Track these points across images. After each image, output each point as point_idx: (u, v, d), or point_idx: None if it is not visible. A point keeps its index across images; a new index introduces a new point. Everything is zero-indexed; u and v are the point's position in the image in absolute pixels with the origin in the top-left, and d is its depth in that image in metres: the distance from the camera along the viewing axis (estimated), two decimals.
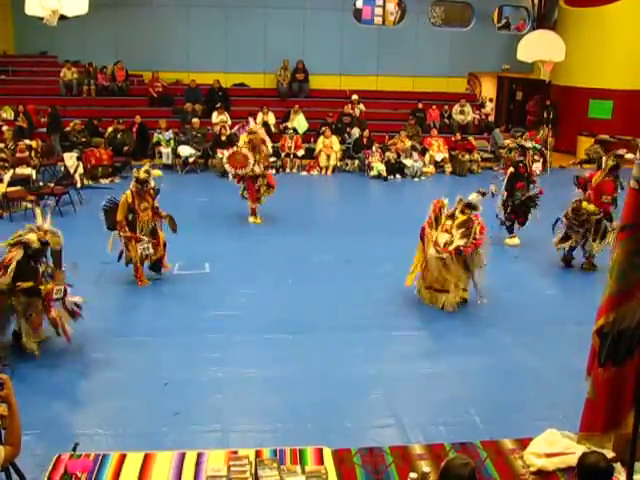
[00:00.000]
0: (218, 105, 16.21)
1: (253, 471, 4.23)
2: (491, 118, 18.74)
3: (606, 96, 16.83)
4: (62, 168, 13.07)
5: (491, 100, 19.65)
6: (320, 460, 4.47)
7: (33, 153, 13.21)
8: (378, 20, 19.88)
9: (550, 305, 7.98)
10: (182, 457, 4.46)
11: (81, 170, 13.05)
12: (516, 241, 10.20)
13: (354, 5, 18.71)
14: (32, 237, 6.19)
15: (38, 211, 6.76)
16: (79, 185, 12.62)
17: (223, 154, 13.89)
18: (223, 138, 14.81)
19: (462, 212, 7.68)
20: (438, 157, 15.69)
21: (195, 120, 15.60)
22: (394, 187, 14.51)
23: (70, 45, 17.05)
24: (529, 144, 15.05)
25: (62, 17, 10.87)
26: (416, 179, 14.95)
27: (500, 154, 14.70)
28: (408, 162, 15.09)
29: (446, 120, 17.40)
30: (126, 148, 14.61)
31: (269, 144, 11.88)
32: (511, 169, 10.11)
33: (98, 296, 6.89)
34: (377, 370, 6.26)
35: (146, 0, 17.26)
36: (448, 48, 18.43)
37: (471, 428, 5.34)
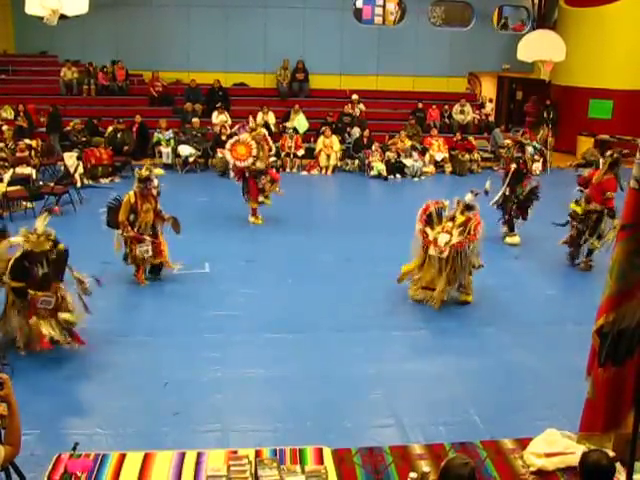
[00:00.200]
0: (218, 105, 16.21)
1: (253, 471, 4.24)
2: (491, 118, 18.73)
3: (606, 96, 16.83)
4: (62, 168, 13.05)
5: (491, 100, 19.64)
6: (320, 460, 4.48)
7: (33, 153, 13.22)
8: (378, 20, 19.89)
9: (550, 305, 7.98)
10: (182, 457, 4.47)
11: (81, 170, 13.04)
12: (517, 239, 10.19)
13: (354, 5, 18.70)
14: (19, 239, 6.22)
15: (42, 218, 6.73)
16: (79, 185, 12.61)
17: (224, 153, 14.01)
18: (223, 138, 14.77)
19: (462, 213, 7.70)
20: (438, 157, 15.69)
21: (195, 120, 15.60)
22: (394, 187, 14.51)
23: (70, 45, 17.06)
24: (529, 143, 15.09)
25: (62, 16, 10.85)
26: (416, 179, 14.95)
27: (500, 154, 14.68)
28: (408, 162, 15.09)
29: (446, 120, 17.40)
30: (126, 148, 14.60)
31: (272, 144, 11.85)
32: (514, 165, 10.10)
33: (98, 296, 6.86)
34: (377, 370, 6.26)
35: (146, 0, 17.27)
36: (448, 48, 18.42)
37: (471, 428, 5.34)
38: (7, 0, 16.91)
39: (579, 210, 8.98)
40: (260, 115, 16.04)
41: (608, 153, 9.04)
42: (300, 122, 16.15)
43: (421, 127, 16.71)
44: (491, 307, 7.80)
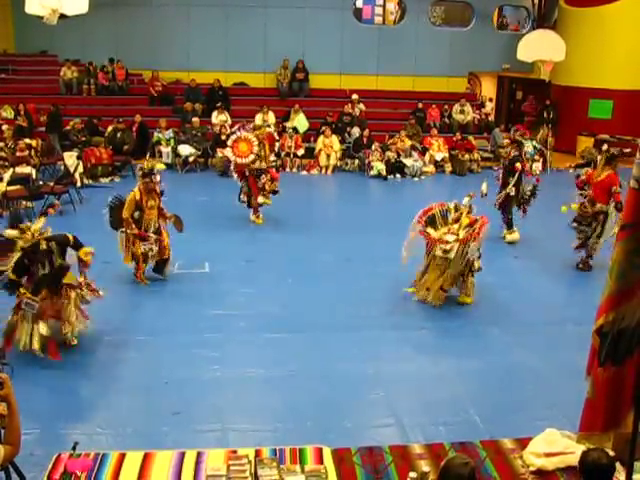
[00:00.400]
0: (218, 104, 16.21)
1: (253, 470, 4.23)
2: (491, 118, 18.74)
3: (606, 96, 16.82)
4: (62, 167, 13.06)
5: (491, 100, 19.65)
6: (320, 459, 4.48)
7: (33, 152, 13.20)
8: (378, 19, 19.87)
9: (550, 305, 7.97)
10: (182, 456, 4.47)
11: (81, 169, 13.04)
12: (516, 236, 10.22)
13: (354, 4, 18.69)
14: (11, 233, 6.22)
15: (41, 219, 6.72)
16: (79, 184, 12.62)
17: (223, 152, 13.99)
18: (223, 137, 14.78)
19: (468, 214, 7.73)
20: (438, 157, 15.69)
21: (195, 119, 15.60)
22: (394, 186, 14.51)
23: (70, 44, 17.06)
24: (528, 143, 15.10)
25: (62, 16, 10.83)
26: (416, 179, 14.95)
27: (500, 154, 14.70)
28: (408, 162, 15.09)
29: (446, 120, 17.40)
30: (126, 147, 14.59)
31: (276, 143, 11.84)
32: (518, 165, 10.11)
33: None
34: (377, 369, 6.27)
35: None
36: (448, 48, 18.42)
37: (471, 428, 5.34)
38: (7, 0, 16.92)
39: (576, 209, 8.96)
40: (260, 115, 16.04)
41: (604, 148, 9.02)
42: (300, 122, 16.15)
43: (421, 127, 16.71)
44: (491, 307, 7.80)
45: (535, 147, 15.63)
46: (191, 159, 14.96)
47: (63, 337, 6.39)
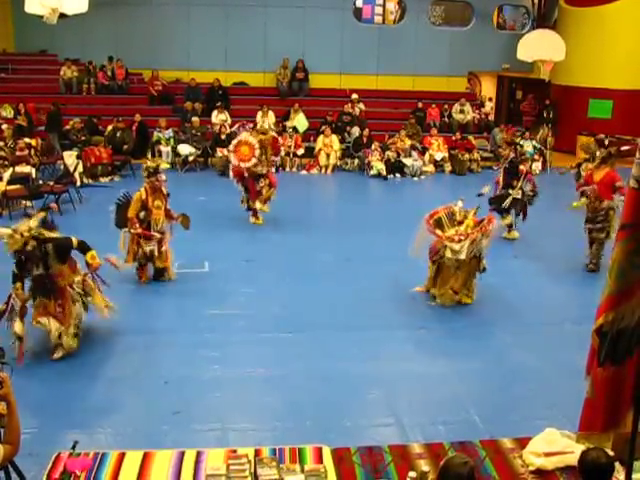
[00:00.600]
0: (218, 104, 16.21)
1: (252, 470, 4.23)
2: (491, 117, 18.75)
3: (606, 96, 16.83)
4: (62, 166, 13.06)
5: (490, 99, 19.65)
6: (319, 459, 4.47)
7: (33, 151, 13.21)
8: (378, 19, 19.88)
9: (550, 305, 7.98)
10: (181, 456, 4.46)
11: (81, 169, 13.05)
12: (516, 234, 10.25)
13: (354, 4, 18.70)
14: (4, 231, 6.18)
15: (39, 215, 6.70)
16: (79, 184, 12.62)
17: (223, 152, 13.99)
18: (223, 137, 14.82)
19: (474, 215, 7.75)
20: (438, 156, 15.69)
21: (195, 119, 15.60)
22: (394, 186, 14.51)
23: (70, 43, 17.05)
24: (528, 143, 15.14)
25: (62, 15, 10.83)
26: (416, 178, 14.95)
27: (499, 153, 14.71)
28: (408, 161, 15.10)
29: (446, 119, 17.40)
30: (126, 147, 14.59)
31: (281, 148, 11.83)
32: (522, 167, 10.13)
33: None
34: (377, 369, 6.27)
35: None
36: (448, 47, 18.43)
37: (470, 427, 5.34)
38: None
39: (584, 203, 8.94)
40: (260, 114, 16.04)
41: (607, 143, 8.98)
42: (300, 121, 16.14)
43: (421, 126, 16.71)
44: (490, 306, 7.80)
45: (535, 147, 15.70)
46: (191, 158, 14.96)
47: (55, 340, 6.30)
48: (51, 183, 11.71)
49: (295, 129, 15.86)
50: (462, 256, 7.38)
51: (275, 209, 10.91)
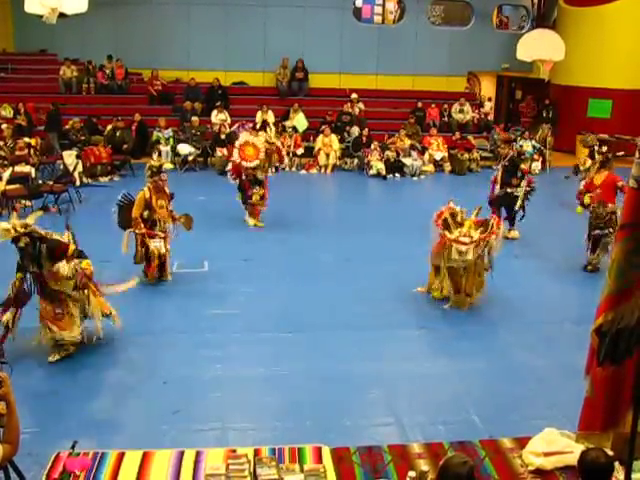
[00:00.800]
0: (218, 103, 16.20)
1: (252, 469, 4.23)
2: (490, 117, 18.75)
3: (605, 95, 16.83)
4: (61, 166, 13.05)
5: (490, 99, 19.65)
6: (319, 459, 4.48)
7: (32, 151, 13.19)
8: (378, 19, 19.86)
9: (550, 304, 7.98)
10: (181, 455, 4.47)
11: (80, 168, 13.04)
12: (517, 234, 10.27)
13: (354, 4, 18.69)
14: (2, 224, 6.16)
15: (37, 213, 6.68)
16: (78, 183, 12.62)
17: (223, 152, 13.99)
18: (222, 136, 14.81)
19: (476, 216, 7.75)
20: (437, 156, 15.69)
21: (194, 118, 15.59)
22: (393, 186, 14.51)
23: (70, 43, 17.04)
24: (528, 143, 15.15)
25: (61, 15, 10.81)
26: (415, 178, 14.95)
27: (499, 152, 14.72)
28: (407, 161, 15.09)
29: (445, 119, 17.40)
30: (125, 146, 14.58)
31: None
32: (523, 166, 10.14)
33: None
34: (376, 369, 6.27)
35: None
36: (448, 47, 18.43)
37: (470, 427, 5.34)
38: None
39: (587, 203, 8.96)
40: (259, 114, 16.04)
41: (604, 149, 9.01)
42: (299, 121, 16.14)
43: (420, 126, 16.71)
44: (491, 306, 7.79)
45: (534, 146, 15.71)
46: (190, 158, 14.95)
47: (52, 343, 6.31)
48: (50, 183, 11.71)
49: (295, 129, 15.86)
50: (469, 257, 7.38)
51: (274, 209, 10.91)
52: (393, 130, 16.15)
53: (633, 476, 3.62)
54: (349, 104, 16.85)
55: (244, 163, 10.35)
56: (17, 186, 11.28)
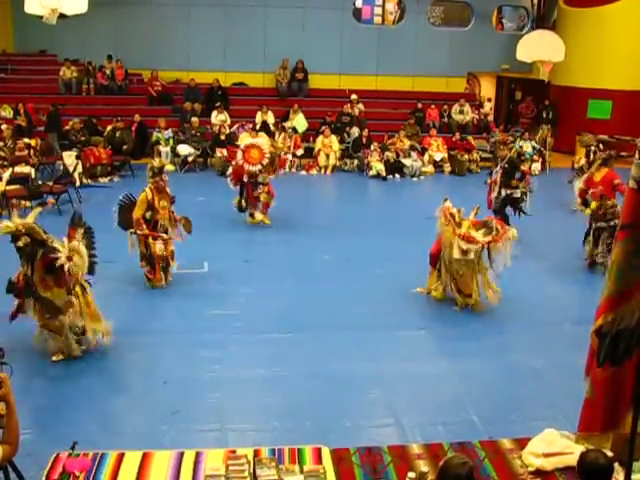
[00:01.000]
0: (217, 104, 16.20)
1: (251, 470, 4.23)
2: (490, 118, 18.75)
3: (605, 96, 16.84)
4: (61, 167, 13.05)
5: (490, 100, 19.65)
6: (319, 459, 4.48)
7: (32, 152, 13.20)
8: (378, 20, 19.85)
9: (550, 304, 7.98)
10: (180, 456, 4.47)
11: (80, 169, 13.05)
12: (516, 234, 10.27)
13: (354, 4, 18.69)
14: (5, 222, 6.15)
15: (36, 210, 6.68)
16: (78, 184, 12.61)
17: (222, 152, 13.98)
18: (222, 137, 14.82)
19: (475, 216, 7.74)
20: (437, 157, 15.70)
21: (194, 119, 15.58)
22: (393, 187, 14.51)
23: (69, 43, 17.04)
24: (527, 144, 15.16)
25: (61, 15, 10.84)
26: (415, 179, 14.95)
27: (498, 154, 14.70)
28: (407, 162, 15.10)
29: (445, 120, 17.40)
30: (125, 147, 14.59)
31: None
32: (524, 167, 10.15)
33: (96, 295, 6.86)
34: (376, 369, 6.26)
35: None
36: (447, 48, 18.43)
37: (470, 428, 5.34)
38: None
39: (594, 207, 8.96)
40: (259, 115, 16.04)
41: (602, 148, 9.03)
42: (299, 122, 16.15)
43: (420, 127, 16.71)
44: (490, 307, 7.79)
45: (534, 147, 15.72)
46: (190, 159, 14.95)
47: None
48: (50, 183, 11.71)
49: (294, 129, 15.86)
50: (470, 256, 7.37)
51: (274, 209, 10.91)
52: (393, 131, 16.14)
53: (633, 477, 3.62)
54: (349, 105, 16.85)
55: (246, 166, 10.31)
56: (17, 187, 11.28)
